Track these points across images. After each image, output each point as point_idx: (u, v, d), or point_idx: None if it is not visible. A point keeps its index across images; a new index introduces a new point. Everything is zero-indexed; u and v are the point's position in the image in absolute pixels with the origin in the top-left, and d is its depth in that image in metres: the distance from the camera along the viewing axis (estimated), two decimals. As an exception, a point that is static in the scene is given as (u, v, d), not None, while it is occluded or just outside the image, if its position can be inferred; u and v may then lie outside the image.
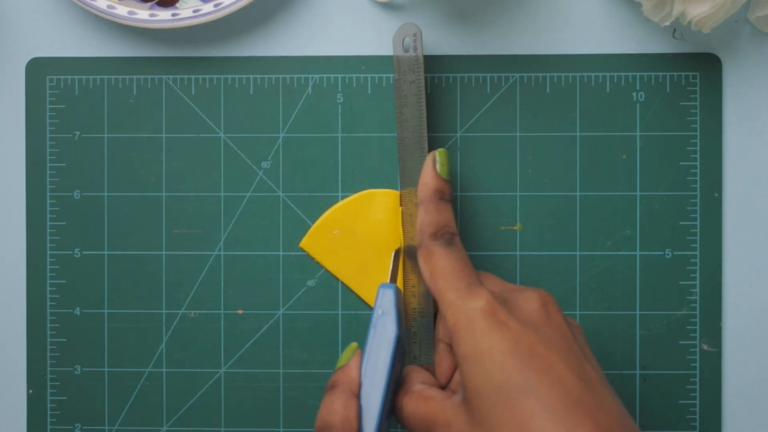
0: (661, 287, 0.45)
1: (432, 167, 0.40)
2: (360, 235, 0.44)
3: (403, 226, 0.43)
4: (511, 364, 0.33)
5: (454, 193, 0.45)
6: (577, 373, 0.33)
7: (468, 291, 0.35)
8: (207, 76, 0.45)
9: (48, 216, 0.45)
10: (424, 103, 0.41)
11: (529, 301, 0.36)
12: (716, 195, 0.45)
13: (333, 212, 0.45)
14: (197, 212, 0.45)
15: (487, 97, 0.45)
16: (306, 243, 0.45)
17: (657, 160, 0.45)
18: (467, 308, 0.35)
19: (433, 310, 0.41)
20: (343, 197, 0.45)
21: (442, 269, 0.37)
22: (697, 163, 0.45)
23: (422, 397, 0.37)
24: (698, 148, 0.45)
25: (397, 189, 0.45)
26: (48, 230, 0.45)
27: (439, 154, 0.40)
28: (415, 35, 0.42)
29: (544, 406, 0.32)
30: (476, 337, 0.34)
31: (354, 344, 0.39)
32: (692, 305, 0.45)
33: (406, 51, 0.42)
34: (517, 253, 0.45)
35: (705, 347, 0.45)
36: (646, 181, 0.45)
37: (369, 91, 0.45)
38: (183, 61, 0.45)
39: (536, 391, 0.32)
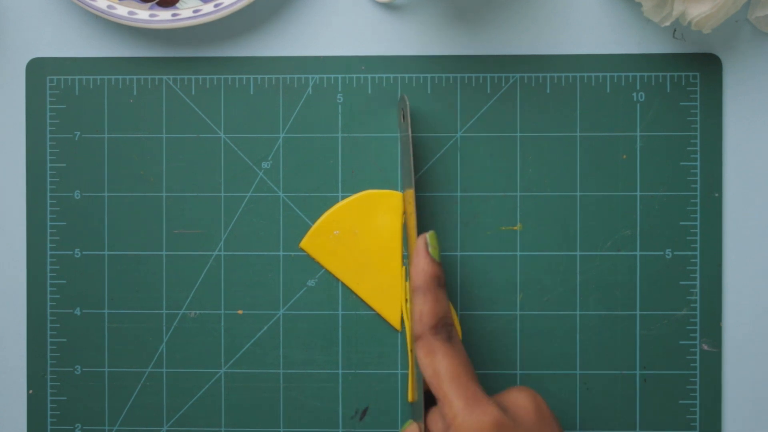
0: (661, 287, 0.45)
1: (425, 251, 0.39)
2: (360, 236, 0.44)
3: (407, 229, 0.43)
4: None
5: (454, 194, 0.45)
6: None
7: (475, 401, 0.37)
8: (207, 76, 0.45)
9: (48, 216, 0.45)
10: (412, 164, 0.41)
11: (523, 403, 0.38)
12: (716, 195, 0.45)
13: (333, 212, 0.45)
14: (197, 212, 0.45)
15: (487, 97, 0.45)
16: (306, 243, 0.45)
17: (657, 160, 0.45)
18: (476, 420, 0.36)
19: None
20: (343, 197, 0.45)
21: (447, 371, 0.37)
22: (697, 163, 0.45)
23: None
24: (698, 148, 0.45)
25: (396, 189, 0.45)
26: (48, 230, 0.45)
27: (430, 237, 0.39)
28: (405, 107, 0.42)
29: None
30: None
31: None
32: (692, 305, 0.45)
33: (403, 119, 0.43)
34: (517, 253, 0.45)
35: (705, 347, 0.45)
36: (646, 181, 0.45)
37: (369, 91, 0.45)
38: (183, 61, 0.45)
39: None
